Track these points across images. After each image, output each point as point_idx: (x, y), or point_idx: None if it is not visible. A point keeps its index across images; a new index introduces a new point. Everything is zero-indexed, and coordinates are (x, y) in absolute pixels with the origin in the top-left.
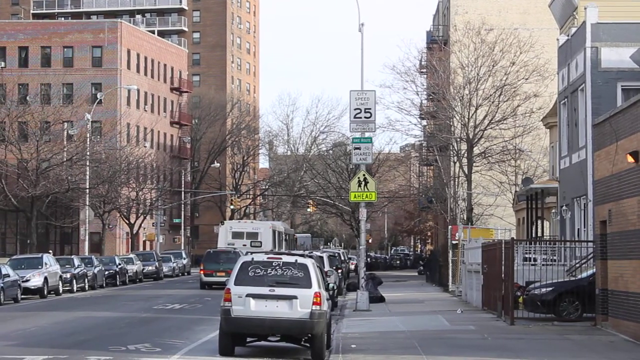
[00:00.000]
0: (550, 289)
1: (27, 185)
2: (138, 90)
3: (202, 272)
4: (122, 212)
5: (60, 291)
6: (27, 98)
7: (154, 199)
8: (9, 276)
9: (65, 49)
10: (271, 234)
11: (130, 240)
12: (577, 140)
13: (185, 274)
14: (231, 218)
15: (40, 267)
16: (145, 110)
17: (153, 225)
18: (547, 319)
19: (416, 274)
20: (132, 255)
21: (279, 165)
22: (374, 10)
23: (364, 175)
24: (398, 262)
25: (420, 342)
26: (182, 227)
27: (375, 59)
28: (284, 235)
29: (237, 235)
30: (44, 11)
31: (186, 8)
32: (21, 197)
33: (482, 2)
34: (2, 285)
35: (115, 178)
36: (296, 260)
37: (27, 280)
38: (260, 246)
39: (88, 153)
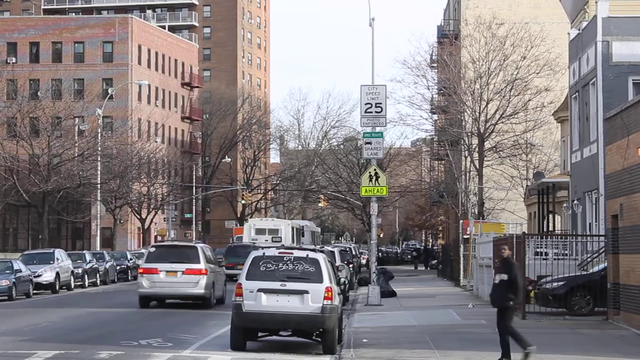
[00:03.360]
0: (562, 283)
1: (39, 180)
2: (149, 86)
3: (224, 265)
4: (134, 207)
5: (72, 286)
6: (38, 93)
7: (165, 194)
8: (20, 271)
9: (76, 44)
10: (290, 230)
11: (141, 235)
12: (588, 134)
13: None
14: (242, 213)
15: (52, 262)
16: (156, 106)
17: (164, 220)
18: (559, 313)
19: (427, 268)
20: (143, 250)
21: (290, 160)
22: (384, 5)
23: (375, 169)
24: (409, 256)
25: (431, 337)
26: (194, 222)
27: (386, 54)
28: (302, 232)
29: (259, 231)
30: (55, 6)
31: (197, 3)
32: (33, 193)
33: None
34: (14, 280)
35: (127, 173)
36: (307, 255)
37: (39, 276)
38: (281, 241)
39: (99, 148)
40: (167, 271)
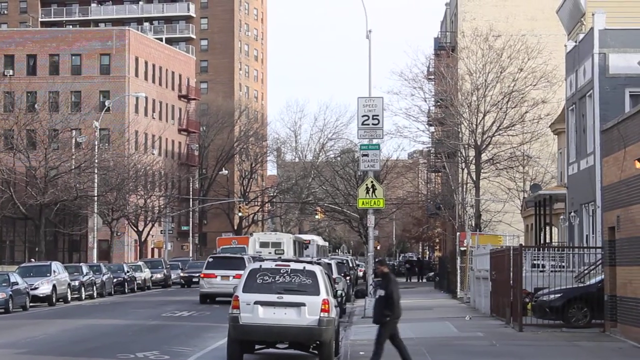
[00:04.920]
0: (559, 295)
1: (36, 193)
2: (146, 98)
3: None
4: (131, 219)
5: (69, 299)
6: (36, 106)
7: (162, 207)
8: (17, 284)
9: (73, 57)
10: (292, 244)
11: (138, 247)
12: (585, 146)
13: None
14: (239, 225)
15: (48, 274)
16: (153, 118)
17: (161, 233)
18: (556, 325)
19: (419, 280)
20: (140, 263)
21: (287, 172)
22: (381, 17)
23: (371, 182)
24: (406, 268)
25: (428, 349)
26: (191, 234)
27: (383, 66)
28: (306, 245)
29: (263, 244)
30: (52, 19)
31: (194, 15)
32: (30, 205)
33: (490, 8)
34: (10, 293)
35: (124, 185)
36: (304, 268)
37: (35, 288)
38: (283, 253)
39: (96, 161)
40: (222, 276)
